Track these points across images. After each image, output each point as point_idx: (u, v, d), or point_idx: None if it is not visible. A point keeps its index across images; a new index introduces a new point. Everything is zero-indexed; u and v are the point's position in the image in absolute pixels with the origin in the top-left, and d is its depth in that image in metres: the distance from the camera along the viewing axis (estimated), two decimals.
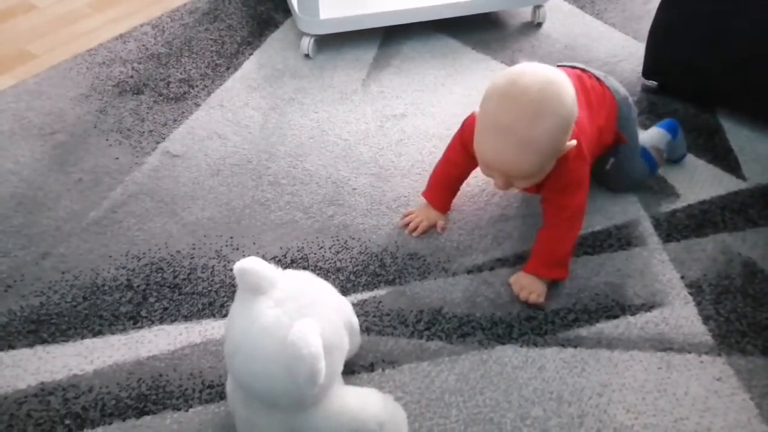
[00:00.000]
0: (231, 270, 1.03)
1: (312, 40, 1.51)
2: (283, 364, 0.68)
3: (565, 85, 0.93)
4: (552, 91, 0.90)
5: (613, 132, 1.11)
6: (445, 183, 1.15)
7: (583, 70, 1.11)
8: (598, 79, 1.10)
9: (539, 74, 0.92)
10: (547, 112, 0.90)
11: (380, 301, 1.03)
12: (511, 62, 1.52)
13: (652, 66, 1.43)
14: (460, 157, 1.09)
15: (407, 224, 1.14)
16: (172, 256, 1.09)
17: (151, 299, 1.03)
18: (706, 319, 1.02)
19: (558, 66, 1.10)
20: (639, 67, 1.47)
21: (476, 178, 1.19)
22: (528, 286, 1.03)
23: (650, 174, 1.23)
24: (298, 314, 0.70)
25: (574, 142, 0.96)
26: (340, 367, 0.77)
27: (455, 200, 1.18)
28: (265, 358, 0.69)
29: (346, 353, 0.78)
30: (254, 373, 0.70)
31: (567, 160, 0.98)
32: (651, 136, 1.24)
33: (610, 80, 1.12)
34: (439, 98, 1.43)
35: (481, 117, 0.94)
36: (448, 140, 1.12)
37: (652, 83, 1.46)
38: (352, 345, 0.82)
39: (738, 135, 1.35)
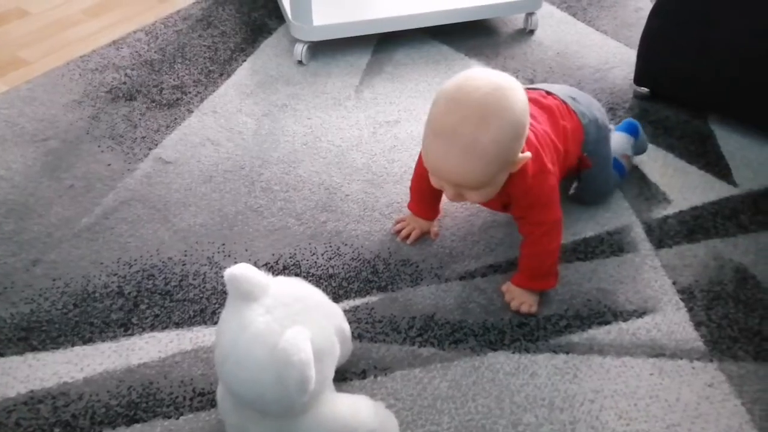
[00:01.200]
0: (223, 277, 1.03)
1: (305, 46, 1.51)
2: (273, 371, 0.67)
3: (514, 92, 0.89)
4: (499, 96, 0.87)
5: (577, 156, 1.09)
6: (422, 194, 1.12)
7: (548, 92, 1.08)
8: (564, 102, 1.07)
9: (487, 79, 0.89)
10: (493, 116, 0.86)
11: (372, 308, 1.03)
12: (503, 69, 1.53)
13: (643, 73, 1.44)
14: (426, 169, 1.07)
15: (399, 231, 1.14)
16: (163, 262, 1.09)
17: (142, 306, 1.02)
18: (697, 325, 1.03)
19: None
20: (631, 74, 1.48)
21: None
22: (519, 296, 1.03)
23: (620, 182, 1.23)
24: (289, 321, 0.70)
25: (528, 154, 0.92)
26: (331, 374, 0.77)
27: (447, 207, 1.18)
28: (255, 366, 0.69)
29: (337, 360, 0.78)
30: (244, 380, 0.70)
31: (526, 176, 0.95)
32: (616, 143, 1.23)
33: (577, 104, 1.08)
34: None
35: (428, 122, 0.91)
36: None
37: (644, 90, 1.47)
38: (343, 352, 0.82)
39: (729, 141, 1.36)
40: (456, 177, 0.90)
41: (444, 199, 1.16)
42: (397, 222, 1.16)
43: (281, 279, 0.77)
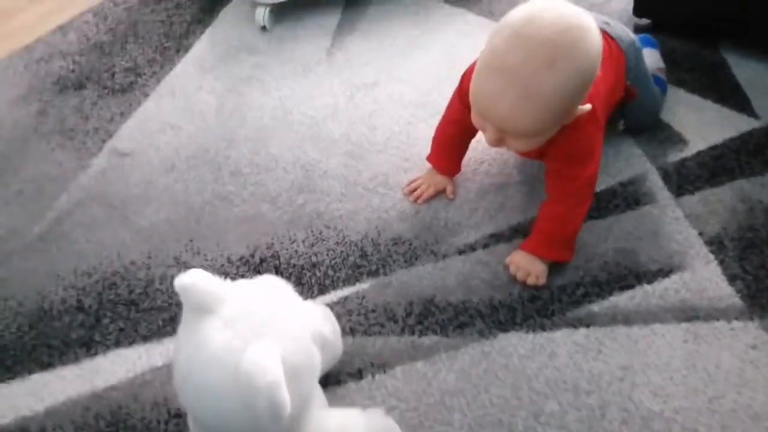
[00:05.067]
0: None
1: (267, 9, 1.40)
2: (238, 397, 0.56)
3: (591, 34, 0.80)
4: (575, 38, 0.78)
5: (623, 87, 1.00)
6: (448, 145, 1.05)
7: None
8: (602, 29, 0.96)
9: (564, 15, 0.79)
10: (564, 59, 0.78)
11: (364, 296, 0.94)
12: (489, 14, 1.40)
13: (643, 2, 1.32)
14: (460, 114, 0.97)
15: (413, 191, 1.06)
16: (125, 268, 0.99)
17: (105, 320, 0.93)
18: (732, 279, 0.92)
19: None
20: (630, 5, 1.36)
21: None
22: (525, 266, 0.93)
23: (663, 98, 1.17)
24: (253, 335, 0.59)
25: (588, 106, 0.85)
26: (313, 389, 0.66)
27: None
28: (216, 392, 0.58)
29: (318, 372, 0.67)
30: (207, 408, 0.59)
31: (579, 125, 0.87)
32: (648, 58, 1.15)
33: (612, 27, 0.99)
34: (413, 61, 1.32)
35: (484, 54, 0.82)
36: (427, 107, 1.00)
37: (646, 21, 1.35)
38: (329, 356, 0.72)
39: (744, 69, 1.24)
40: (505, 122, 0.82)
41: None
42: (410, 183, 1.07)
43: (241, 283, 0.65)
